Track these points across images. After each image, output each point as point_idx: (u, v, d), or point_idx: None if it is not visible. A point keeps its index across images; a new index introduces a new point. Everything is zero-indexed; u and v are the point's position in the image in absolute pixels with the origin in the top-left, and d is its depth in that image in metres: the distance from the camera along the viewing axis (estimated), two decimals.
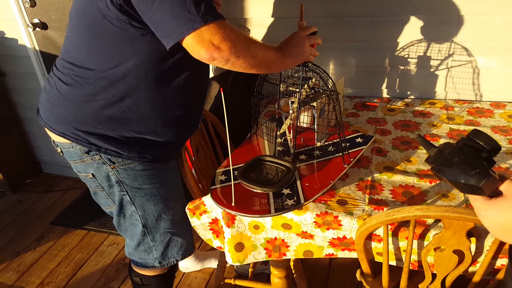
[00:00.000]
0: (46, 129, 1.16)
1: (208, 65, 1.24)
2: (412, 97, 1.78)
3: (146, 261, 1.32)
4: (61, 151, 1.18)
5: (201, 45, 0.91)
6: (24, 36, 2.21)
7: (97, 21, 0.98)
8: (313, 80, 1.23)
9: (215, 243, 1.26)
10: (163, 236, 1.28)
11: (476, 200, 0.65)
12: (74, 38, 1.06)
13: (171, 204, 1.27)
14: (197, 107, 1.23)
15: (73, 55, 1.07)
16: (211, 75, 2.03)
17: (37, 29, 2.17)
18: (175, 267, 1.46)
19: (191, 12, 0.87)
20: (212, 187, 1.18)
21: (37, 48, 2.26)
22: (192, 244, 1.37)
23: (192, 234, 1.37)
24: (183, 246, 1.33)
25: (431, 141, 0.80)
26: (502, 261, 0.98)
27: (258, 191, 1.13)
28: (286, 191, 1.13)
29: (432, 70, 1.70)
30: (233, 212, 1.08)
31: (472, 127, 1.45)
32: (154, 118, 1.12)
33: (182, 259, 1.35)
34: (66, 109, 1.09)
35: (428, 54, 1.68)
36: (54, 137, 1.15)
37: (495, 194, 0.64)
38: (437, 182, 1.16)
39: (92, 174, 1.18)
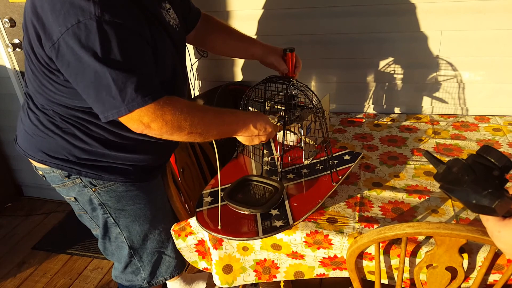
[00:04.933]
0: (26, 157, 1.14)
1: (185, 88, 1.23)
2: (398, 112, 1.79)
3: (134, 283, 1.28)
4: (43, 176, 1.15)
5: (131, 123, 0.90)
6: (4, 56, 2.17)
7: (41, 76, 0.97)
8: (299, 97, 1.22)
9: (201, 265, 1.22)
10: (150, 255, 1.25)
11: (488, 221, 0.62)
12: (28, 78, 1.04)
13: (158, 224, 1.24)
14: None
15: (34, 90, 1.05)
16: (197, 92, 2.02)
17: (17, 49, 2.13)
18: None
19: (116, 99, 0.85)
20: (198, 210, 1.14)
21: (17, 68, 2.22)
22: (182, 262, 1.34)
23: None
24: (171, 264, 1.30)
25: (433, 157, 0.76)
26: (494, 277, 0.97)
27: (246, 212, 1.10)
28: (274, 212, 1.10)
29: (418, 85, 1.72)
30: (219, 236, 1.05)
31: (458, 141, 1.45)
32: (126, 149, 1.10)
33: (171, 277, 1.31)
34: (41, 139, 1.07)
35: (413, 69, 1.69)
36: (35, 163, 1.13)
37: (509, 214, 0.60)
38: (426, 197, 1.15)
39: (75, 198, 1.15)
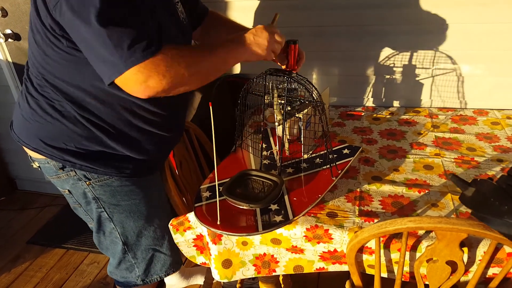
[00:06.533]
0: (20, 143, 1.11)
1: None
2: (397, 105, 1.78)
3: (128, 279, 1.27)
4: (39, 166, 1.14)
5: (131, 86, 0.88)
6: None
7: (46, 44, 0.95)
8: (299, 91, 1.21)
9: (199, 260, 1.22)
10: (144, 253, 1.24)
11: None
12: (32, 53, 1.02)
13: (153, 220, 1.22)
14: (176, 123, 1.20)
15: (36, 70, 1.03)
16: None
17: (10, 40, 2.09)
18: (162, 286, 1.41)
19: (114, 56, 0.84)
20: (196, 205, 1.13)
21: (9, 59, 2.18)
22: (177, 260, 1.33)
23: (177, 250, 1.32)
24: (166, 262, 1.29)
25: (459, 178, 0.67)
26: (494, 270, 0.97)
27: (245, 207, 1.09)
28: (273, 207, 1.10)
29: (417, 78, 1.71)
30: (218, 231, 1.04)
31: (457, 135, 1.45)
32: (128, 137, 1.08)
33: (166, 275, 1.30)
34: (38, 125, 1.05)
35: (413, 63, 1.68)
36: (29, 152, 1.11)
37: None
38: (426, 191, 1.15)
39: (69, 190, 1.14)
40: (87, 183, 1.10)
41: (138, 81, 0.86)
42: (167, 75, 0.88)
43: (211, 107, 0.90)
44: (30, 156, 1.14)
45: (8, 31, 2.07)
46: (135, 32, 0.84)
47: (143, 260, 1.25)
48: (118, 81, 0.88)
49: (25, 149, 1.12)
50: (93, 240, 1.24)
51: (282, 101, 1.21)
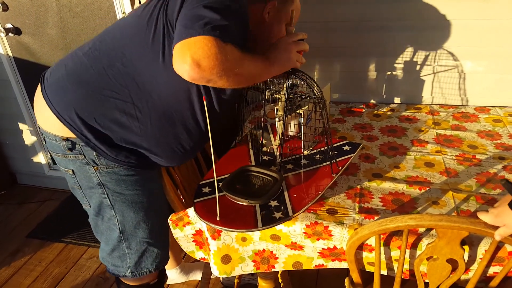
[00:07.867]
0: (41, 101, 1.11)
1: (234, 109, 1.25)
2: (398, 102, 1.77)
3: (119, 269, 1.27)
4: (44, 140, 1.14)
5: (182, 57, 0.87)
6: None
7: (155, 33, 1.00)
8: (300, 87, 1.20)
9: (198, 255, 1.22)
10: (139, 245, 1.24)
11: None
12: (135, 29, 1.04)
13: (152, 214, 1.23)
14: (196, 149, 1.23)
15: (122, 48, 1.04)
16: None
17: (10, 34, 2.08)
18: (164, 277, 1.41)
19: (200, 25, 0.87)
20: (196, 200, 1.13)
21: (10, 54, 2.17)
22: (166, 256, 1.34)
23: (168, 246, 1.34)
24: (158, 257, 1.29)
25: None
26: (494, 269, 0.96)
27: (244, 203, 1.09)
28: (273, 203, 1.09)
29: (418, 75, 1.70)
30: (218, 227, 1.04)
31: (458, 132, 1.44)
32: (158, 142, 1.11)
33: (155, 270, 1.31)
34: (80, 93, 1.06)
35: (414, 59, 1.67)
36: (43, 120, 1.11)
37: None
38: (427, 189, 1.14)
39: (72, 171, 1.14)
40: (95, 168, 1.11)
41: (193, 55, 0.86)
42: (220, 66, 0.89)
43: (205, 102, 0.90)
44: (39, 127, 1.13)
45: (9, 25, 2.07)
46: (226, 27, 0.89)
47: (136, 252, 1.25)
48: (179, 45, 0.88)
49: (41, 110, 1.10)
50: (89, 221, 1.25)
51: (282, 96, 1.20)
